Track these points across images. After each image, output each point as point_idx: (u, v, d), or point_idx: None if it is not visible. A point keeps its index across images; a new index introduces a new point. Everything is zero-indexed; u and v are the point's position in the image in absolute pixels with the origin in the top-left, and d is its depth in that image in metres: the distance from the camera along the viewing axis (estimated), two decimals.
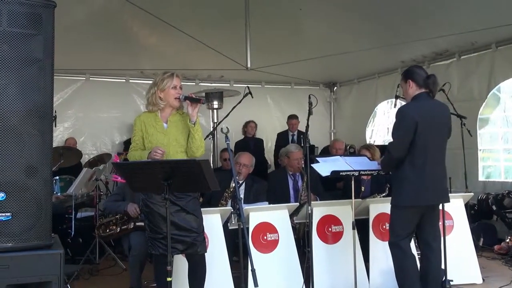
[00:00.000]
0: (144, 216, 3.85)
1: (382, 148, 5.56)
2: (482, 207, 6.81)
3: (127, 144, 8.48)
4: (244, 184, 5.49)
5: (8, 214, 3.08)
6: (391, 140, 4.13)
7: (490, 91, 7.30)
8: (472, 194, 5.71)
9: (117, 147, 8.92)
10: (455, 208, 5.20)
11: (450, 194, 4.19)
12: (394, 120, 4.12)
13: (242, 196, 5.36)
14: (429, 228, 4.10)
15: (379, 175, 4.76)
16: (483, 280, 5.05)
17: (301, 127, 8.91)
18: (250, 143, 8.81)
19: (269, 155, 9.36)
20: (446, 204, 4.53)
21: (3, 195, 3.07)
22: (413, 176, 3.93)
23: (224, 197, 5.24)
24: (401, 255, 4.02)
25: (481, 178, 7.42)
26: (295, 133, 8.88)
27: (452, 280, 4.46)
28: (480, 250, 6.10)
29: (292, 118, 8.92)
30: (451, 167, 7.07)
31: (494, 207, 6.67)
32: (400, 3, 6.06)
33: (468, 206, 5.68)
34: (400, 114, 4.02)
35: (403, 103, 4.37)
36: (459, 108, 6.19)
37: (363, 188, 5.33)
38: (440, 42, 7.25)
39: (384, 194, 5.22)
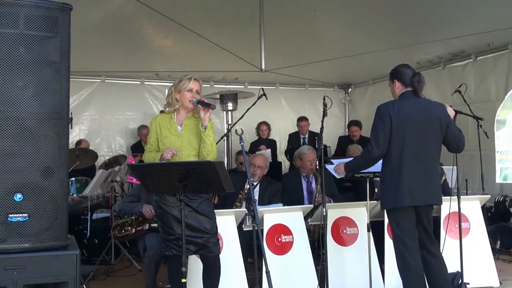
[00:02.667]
0: (157, 217, 3.87)
1: None
2: (499, 210, 6.72)
3: (133, 149, 8.54)
4: (258, 185, 5.49)
5: (25, 215, 3.11)
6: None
7: (508, 92, 7.20)
8: (489, 196, 5.65)
9: (132, 149, 8.96)
10: (472, 210, 5.14)
11: (466, 196, 4.14)
12: None
13: (256, 197, 5.36)
14: (422, 233, 3.95)
15: None
16: (500, 283, 4.98)
17: (313, 129, 8.89)
18: (265, 144, 8.80)
19: (283, 157, 9.35)
20: (462, 206, 4.49)
21: (20, 196, 3.11)
22: (390, 177, 3.85)
23: (238, 198, 5.24)
24: (405, 268, 3.86)
25: (498, 180, 7.33)
26: (306, 135, 8.83)
27: (468, 283, 4.41)
28: (497, 253, 6.01)
29: (302, 120, 8.87)
30: (468, 169, 7.09)
31: (511, 210, 6.59)
32: (415, 4, 6.02)
33: (484, 208, 5.62)
34: (377, 111, 3.92)
35: None
36: (475, 109, 6.14)
37: (376, 190, 5.30)
38: (456, 43, 7.19)
39: None
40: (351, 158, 4.87)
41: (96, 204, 6.53)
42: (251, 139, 8.93)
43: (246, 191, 5.20)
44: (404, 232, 3.87)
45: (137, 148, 8.37)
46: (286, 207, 5.01)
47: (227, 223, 4.53)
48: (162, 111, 4.10)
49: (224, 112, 8.59)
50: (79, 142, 8.11)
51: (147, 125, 8.59)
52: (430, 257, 3.95)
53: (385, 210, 4.08)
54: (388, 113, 3.83)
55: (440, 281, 3.93)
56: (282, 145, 9.87)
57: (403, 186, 3.78)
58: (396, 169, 3.81)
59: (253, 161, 5.47)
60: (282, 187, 5.72)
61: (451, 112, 4.11)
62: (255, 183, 5.44)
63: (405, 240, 3.86)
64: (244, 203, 5.23)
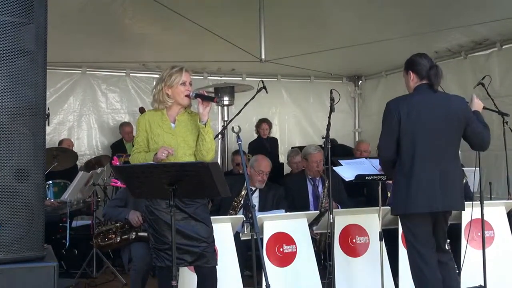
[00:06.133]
0: (147, 224, 3.87)
1: None
2: None
3: (114, 148, 8.53)
4: (258, 190, 5.48)
5: None
6: None
7: None
8: None
9: (112, 148, 8.95)
10: (496, 217, 5.16)
11: (489, 202, 4.15)
12: None
13: (256, 204, 5.34)
14: (436, 241, 3.97)
15: None
16: None
17: (319, 126, 8.90)
18: (265, 143, 8.82)
19: (283, 158, 9.39)
20: (486, 213, 4.50)
21: None
22: (402, 181, 3.86)
23: (232, 206, 5.20)
24: (421, 278, 3.88)
25: None
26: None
27: None
28: None
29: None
30: (492, 171, 7.09)
31: None
32: None
33: (511, 215, 5.62)
34: (385, 109, 3.96)
35: None
36: (500, 104, 6.13)
37: (389, 194, 5.31)
38: (479, 30, 7.18)
39: None
40: (361, 159, 4.91)
41: (76, 210, 6.54)
42: (249, 138, 8.94)
43: (240, 199, 5.17)
44: (419, 240, 3.89)
45: (118, 147, 8.38)
46: (289, 213, 5.01)
47: (222, 231, 4.53)
48: (141, 109, 4.10)
49: (219, 107, 8.60)
50: (61, 142, 8.11)
51: (131, 122, 8.67)
52: (442, 270, 3.94)
53: (398, 217, 4.09)
54: (396, 110, 3.85)
55: None
56: (284, 143, 9.90)
57: (415, 190, 3.80)
58: (407, 171, 3.83)
59: (261, 167, 5.41)
60: (285, 191, 5.72)
61: (478, 104, 4.12)
62: (253, 188, 5.43)
63: (421, 249, 3.87)
64: (241, 212, 5.20)
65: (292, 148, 8.86)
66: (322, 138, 8.61)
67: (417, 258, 3.89)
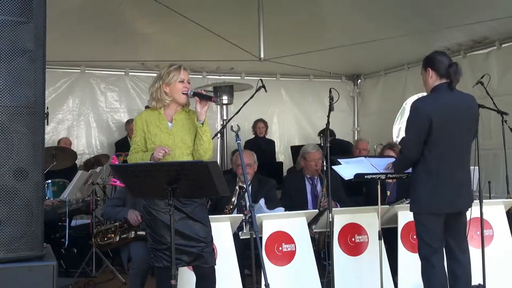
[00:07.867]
0: (145, 224, 3.87)
1: None
2: None
3: (118, 145, 8.52)
4: (250, 187, 5.44)
5: None
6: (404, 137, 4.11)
7: None
8: None
9: (116, 146, 8.95)
10: (496, 215, 5.15)
11: (488, 200, 4.16)
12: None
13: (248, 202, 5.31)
14: (453, 240, 4.05)
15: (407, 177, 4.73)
16: None
17: (318, 124, 8.88)
18: (261, 143, 8.83)
19: (282, 157, 9.40)
20: (485, 212, 4.51)
21: None
22: (427, 180, 3.89)
23: (224, 213, 5.18)
24: (431, 272, 3.97)
25: None
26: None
27: None
28: None
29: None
30: (491, 170, 7.08)
31: None
32: None
33: (510, 214, 5.63)
34: (413, 109, 3.96)
35: None
36: (499, 103, 6.12)
37: (388, 193, 5.31)
38: (479, 28, 7.17)
39: None
40: (361, 157, 4.91)
41: (75, 209, 6.53)
42: (248, 137, 8.96)
43: (231, 206, 5.13)
44: (434, 237, 3.96)
45: (122, 145, 8.37)
46: (288, 212, 5.01)
47: (221, 231, 4.52)
48: (147, 106, 4.10)
49: (218, 106, 8.59)
50: (59, 141, 8.10)
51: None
52: (458, 269, 4.04)
53: (397, 216, 4.09)
54: (425, 111, 3.86)
55: None
56: (283, 142, 9.90)
57: (442, 189, 3.86)
58: (432, 170, 3.87)
59: (238, 161, 5.40)
60: (284, 190, 5.71)
61: None
62: (244, 186, 5.40)
63: (434, 245, 3.95)
64: (234, 213, 5.17)
65: (292, 147, 8.88)
66: (319, 135, 8.66)
67: (429, 253, 3.96)
